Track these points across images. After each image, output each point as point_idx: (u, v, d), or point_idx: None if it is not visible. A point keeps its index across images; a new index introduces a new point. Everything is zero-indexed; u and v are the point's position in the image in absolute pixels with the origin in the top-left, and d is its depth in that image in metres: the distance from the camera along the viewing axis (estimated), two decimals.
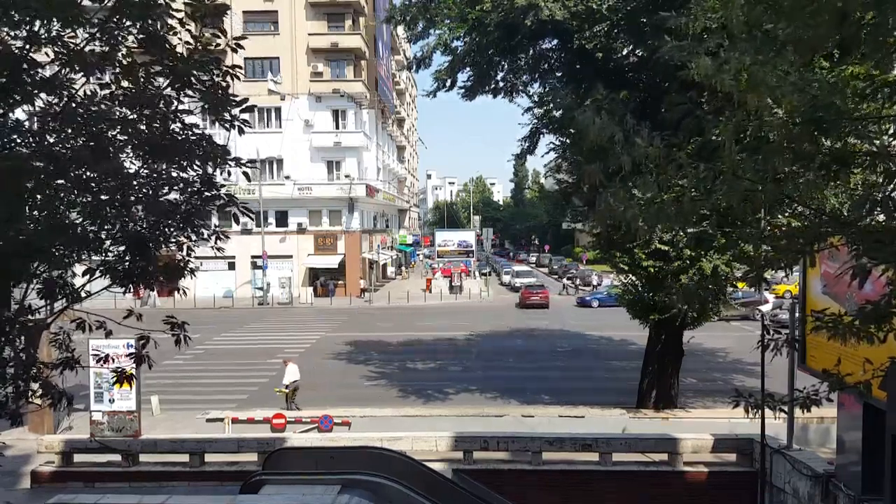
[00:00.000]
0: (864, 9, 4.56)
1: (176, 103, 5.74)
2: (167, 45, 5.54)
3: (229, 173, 6.27)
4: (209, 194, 6.03)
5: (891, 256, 4.67)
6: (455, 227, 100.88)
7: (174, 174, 6.04)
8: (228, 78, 5.83)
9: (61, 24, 5.26)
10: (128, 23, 5.47)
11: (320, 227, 47.48)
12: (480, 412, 18.04)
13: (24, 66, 5.23)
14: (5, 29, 5.38)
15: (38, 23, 5.29)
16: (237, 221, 7.27)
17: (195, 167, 6.03)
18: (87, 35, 5.49)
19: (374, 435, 12.95)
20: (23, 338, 5.82)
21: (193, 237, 6.19)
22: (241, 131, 5.88)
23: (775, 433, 11.57)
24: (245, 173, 6.31)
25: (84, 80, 5.56)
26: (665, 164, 5.54)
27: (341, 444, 12.43)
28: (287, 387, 19.06)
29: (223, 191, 6.13)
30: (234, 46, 5.60)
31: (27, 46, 5.29)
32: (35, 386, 6.12)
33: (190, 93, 5.66)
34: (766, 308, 14.86)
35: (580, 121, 5.97)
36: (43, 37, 5.34)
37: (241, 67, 6.00)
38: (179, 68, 5.49)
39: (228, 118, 5.77)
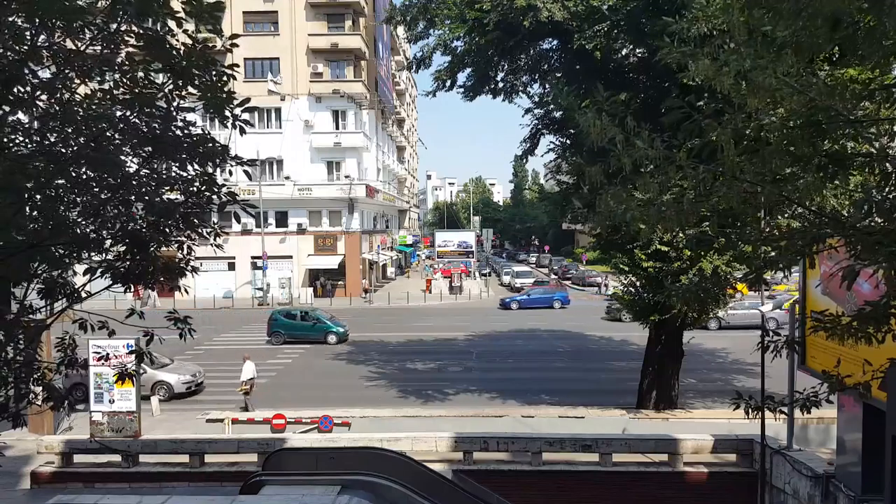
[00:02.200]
0: (860, 12, 4.56)
1: (177, 101, 5.71)
2: (168, 46, 5.52)
3: (230, 172, 6.26)
4: (209, 193, 6.02)
5: (890, 258, 4.67)
6: (455, 227, 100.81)
7: (174, 173, 6.04)
8: (227, 77, 5.81)
9: (64, 32, 5.24)
10: (125, 27, 5.45)
11: (320, 227, 47.48)
12: (480, 413, 18.02)
13: (25, 69, 5.22)
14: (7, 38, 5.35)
15: (40, 33, 5.27)
16: (238, 220, 7.27)
17: (195, 166, 6.02)
18: (87, 39, 5.47)
19: (374, 435, 12.97)
20: (22, 338, 5.82)
21: (194, 236, 6.18)
22: (242, 131, 5.84)
23: (775, 433, 11.58)
24: (246, 171, 6.30)
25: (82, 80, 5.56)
26: (665, 166, 5.55)
27: (341, 444, 12.43)
28: (245, 383, 19.30)
29: (223, 190, 6.11)
30: (228, 47, 5.60)
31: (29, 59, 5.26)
32: (38, 389, 6.12)
33: (191, 89, 5.63)
34: (766, 308, 14.85)
35: (581, 123, 5.97)
36: (42, 47, 5.31)
37: (238, 66, 5.95)
38: (180, 66, 5.47)
39: (230, 117, 5.75)
